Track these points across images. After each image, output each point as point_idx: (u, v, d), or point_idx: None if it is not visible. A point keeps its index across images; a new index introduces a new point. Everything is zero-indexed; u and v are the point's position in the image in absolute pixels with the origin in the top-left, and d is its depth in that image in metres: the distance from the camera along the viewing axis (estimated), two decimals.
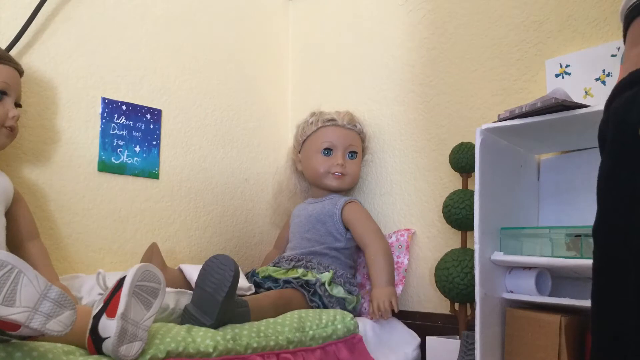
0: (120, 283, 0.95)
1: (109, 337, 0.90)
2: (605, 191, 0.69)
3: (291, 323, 1.26)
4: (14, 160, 1.40)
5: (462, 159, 1.47)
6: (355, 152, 1.73)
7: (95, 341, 0.92)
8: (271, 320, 1.25)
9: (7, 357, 0.82)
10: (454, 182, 1.59)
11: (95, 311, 0.94)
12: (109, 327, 0.91)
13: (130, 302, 0.93)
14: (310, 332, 1.27)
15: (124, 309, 0.91)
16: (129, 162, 1.61)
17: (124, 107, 1.61)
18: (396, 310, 1.47)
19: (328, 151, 1.71)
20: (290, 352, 1.20)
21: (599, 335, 0.69)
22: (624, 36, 0.77)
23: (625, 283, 0.64)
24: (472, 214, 1.30)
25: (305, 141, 1.77)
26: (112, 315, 0.91)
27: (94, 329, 0.92)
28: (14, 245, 1.28)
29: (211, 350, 1.06)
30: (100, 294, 1.00)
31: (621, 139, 0.66)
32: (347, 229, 1.64)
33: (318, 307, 1.45)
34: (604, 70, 1.29)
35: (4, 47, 1.38)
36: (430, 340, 1.47)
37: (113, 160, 1.58)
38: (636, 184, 0.64)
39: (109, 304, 0.93)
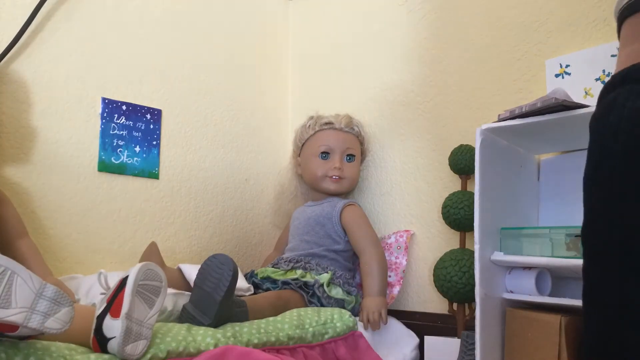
0: (122, 283, 0.95)
1: (114, 337, 0.90)
2: (588, 193, 0.70)
3: (290, 320, 1.26)
4: (14, 160, 1.40)
5: (460, 161, 1.48)
6: (353, 155, 1.72)
7: (100, 341, 0.92)
8: (271, 318, 1.26)
9: (7, 359, 0.82)
10: (454, 182, 1.59)
11: (98, 311, 0.94)
12: (113, 327, 0.91)
13: (133, 301, 0.93)
14: (310, 329, 1.28)
15: (128, 309, 0.92)
16: (129, 162, 1.61)
17: (124, 107, 1.61)
18: (385, 323, 1.46)
19: (325, 155, 1.70)
20: (290, 348, 1.20)
21: (588, 334, 0.69)
22: (618, 37, 0.78)
23: (611, 283, 0.65)
24: (471, 215, 1.30)
25: (303, 145, 1.77)
26: (116, 315, 0.91)
27: (99, 329, 0.92)
28: (4, 244, 1.28)
29: (212, 348, 1.06)
30: (103, 294, 1.00)
31: (601, 141, 0.67)
32: (345, 232, 1.64)
33: None
34: (604, 70, 1.29)
35: (3, 48, 1.38)
36: (428, 339, 1.47)
37: (113, 160, 1.58)
38: (616, 185, 0.65)
39: (112, 303, 0.93)
